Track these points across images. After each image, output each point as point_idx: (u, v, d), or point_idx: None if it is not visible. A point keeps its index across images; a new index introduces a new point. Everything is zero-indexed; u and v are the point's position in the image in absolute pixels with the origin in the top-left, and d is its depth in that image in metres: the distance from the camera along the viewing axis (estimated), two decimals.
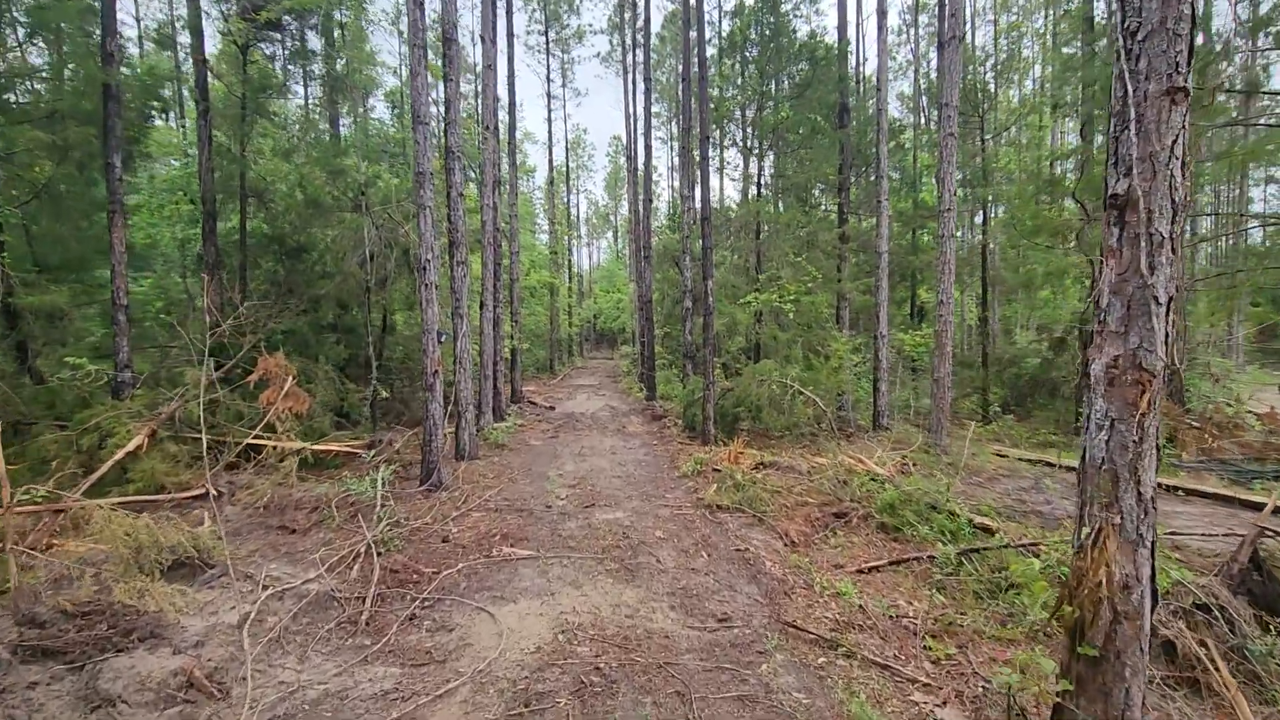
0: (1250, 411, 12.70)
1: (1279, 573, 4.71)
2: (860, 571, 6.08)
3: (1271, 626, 4.46)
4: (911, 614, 5.10)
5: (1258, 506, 8.69)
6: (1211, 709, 3.97)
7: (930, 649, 4.58)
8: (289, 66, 12.78)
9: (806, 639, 4.75)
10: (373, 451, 9.01)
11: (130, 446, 7.30)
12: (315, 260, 13.43)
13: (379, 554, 5.98)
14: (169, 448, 7.99)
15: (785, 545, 7.15)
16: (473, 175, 22.89)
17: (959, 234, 22.95)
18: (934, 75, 24.61)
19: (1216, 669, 4.15)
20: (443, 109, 10.51)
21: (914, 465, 10.83)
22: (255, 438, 9.07)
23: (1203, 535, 6.95)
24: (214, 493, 7.76)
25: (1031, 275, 15.77)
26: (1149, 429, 2.96)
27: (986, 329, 19.07)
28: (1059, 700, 3.24)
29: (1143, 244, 2.91)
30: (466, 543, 6.63)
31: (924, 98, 24.59)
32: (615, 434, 14.71)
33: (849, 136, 16.25)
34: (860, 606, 5.11)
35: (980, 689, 4.10)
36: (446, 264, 11.02)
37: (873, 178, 20.81)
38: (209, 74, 11.07)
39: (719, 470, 10.26)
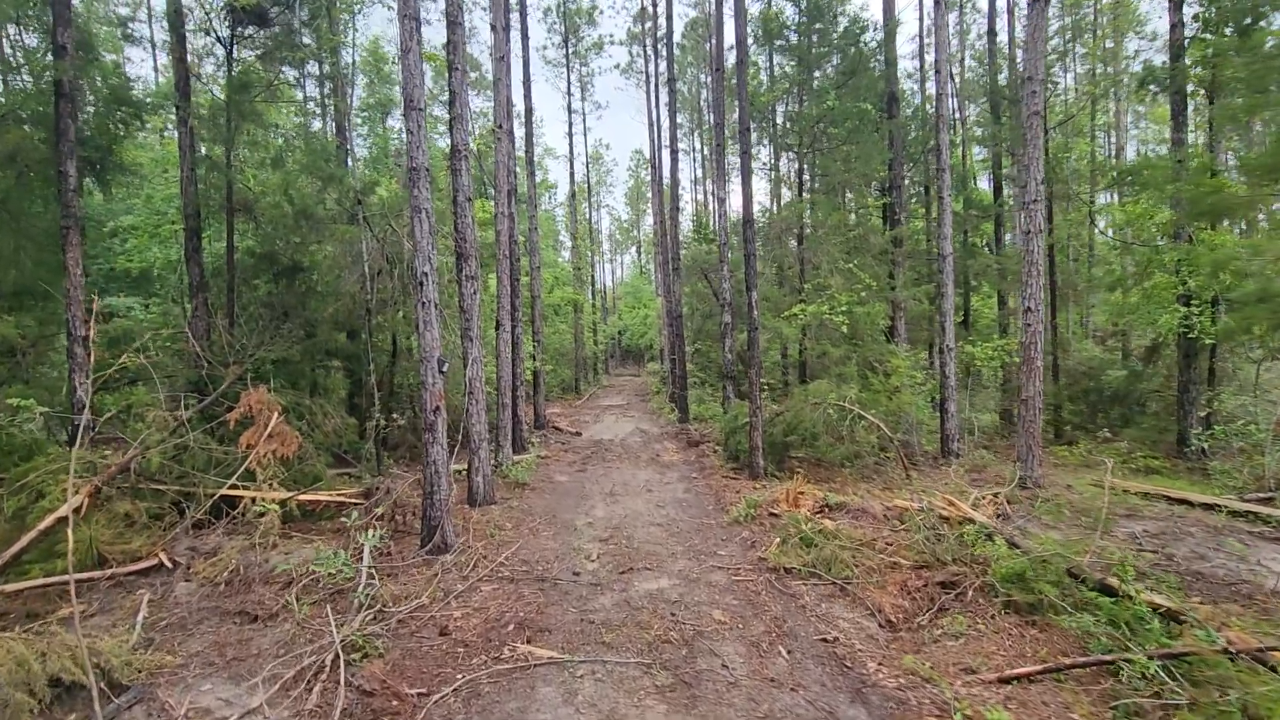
0: None
1: None
2: (1004, 681, 4.42)
3: None
4: None
5: None
6: None
7: None
8: (282, 68, 11.62)
9: None
10: (359, 509, 7.56)
11: (63, 510, 5.93)
12: (315, 280, 12.18)
13: (349, 663, 4.47)
14: (118, 507, 6.62)
15: (882, 628, 5.50)
16: (491, 193, 21.75)
17: (1008, 237, 21.09)
18: (976, 64, 22.88)
19: None
20: (448, 102, 9.18)
21: (1009, 505, 9.10)
22: (230, 488, 7.69)
23: None
24: (168, 564, 6.37)
25: (1117, 276, 13.93)
26: None
27: (1056, 338, 17.16)
28: None
29: None
30: (470, 637, 5.09)
31: (959, 96, 22.86)
32: (649, 465, 13.16)
33: (899, 128, 14.64)
34: None
35: None
36: (454, 280, 9.63)
37: (917, 176, 19.19)
38: (189, 75, 9.90)
39: (776, 514, 8.64)
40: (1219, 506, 8.78)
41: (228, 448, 8.32)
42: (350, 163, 15.42)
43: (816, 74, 16.54)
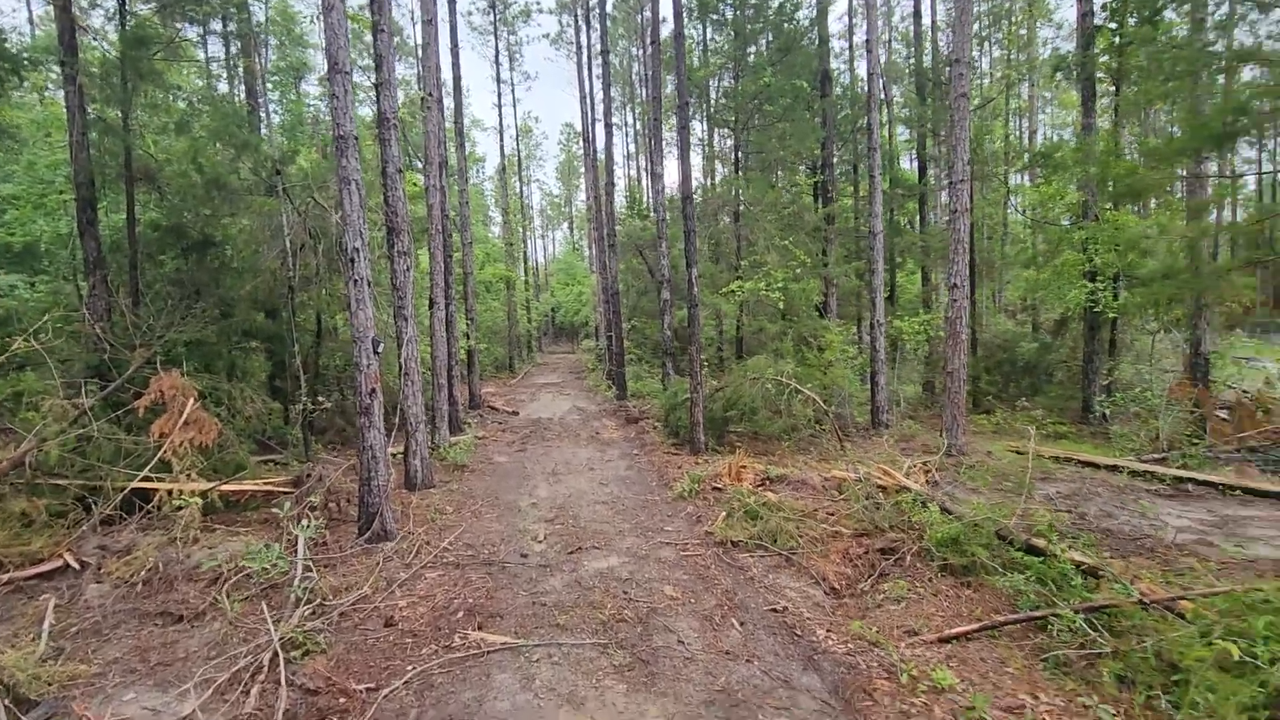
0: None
1: None
2: (944, 640, 4.64)
3: None
4: None
5: None
6: None
7: None
8: (183, 23, 10.61)
9: None
10: (290, 498, 7.16)
11: None
12: (230, 256, 11.37)
13: (290, 661, 4.24)
14: (13, 505, 6.03)
15: (827, 595, 5.68)
16: (417, 166, 20.85)
17: (931, 215, 21.97)
18: (901, 46, 23.53)
19: None
20: (373, 67, 8.66)
21: (938, 472, 9.55)
22: (143, 481, 7.14)
23: None
24: (74, 565, 5.86)
25: (1030, 254, 14.74)
26: None
27: (975, 313, 18.08)
28: None
29: None
30: (419, 626, 4.93)
31: (886, 77, 23.50)
32: (590, 443, 13.09)
33: (832, 106, 14.88)
34: (981, 718, 3.64)
35: None
36: (386, 256, 9.19)
37: (846, 155, 19.63)
38: (75, 27, 8.91)
39: (720, 489, 8.76)
40: (1121, 468, 9.50)
41: (138, 437, 7.71)
42: (265, 130, 14.38)
43: (751, 50, 16.56)
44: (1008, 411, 14.31)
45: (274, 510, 6.88)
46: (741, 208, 16.14)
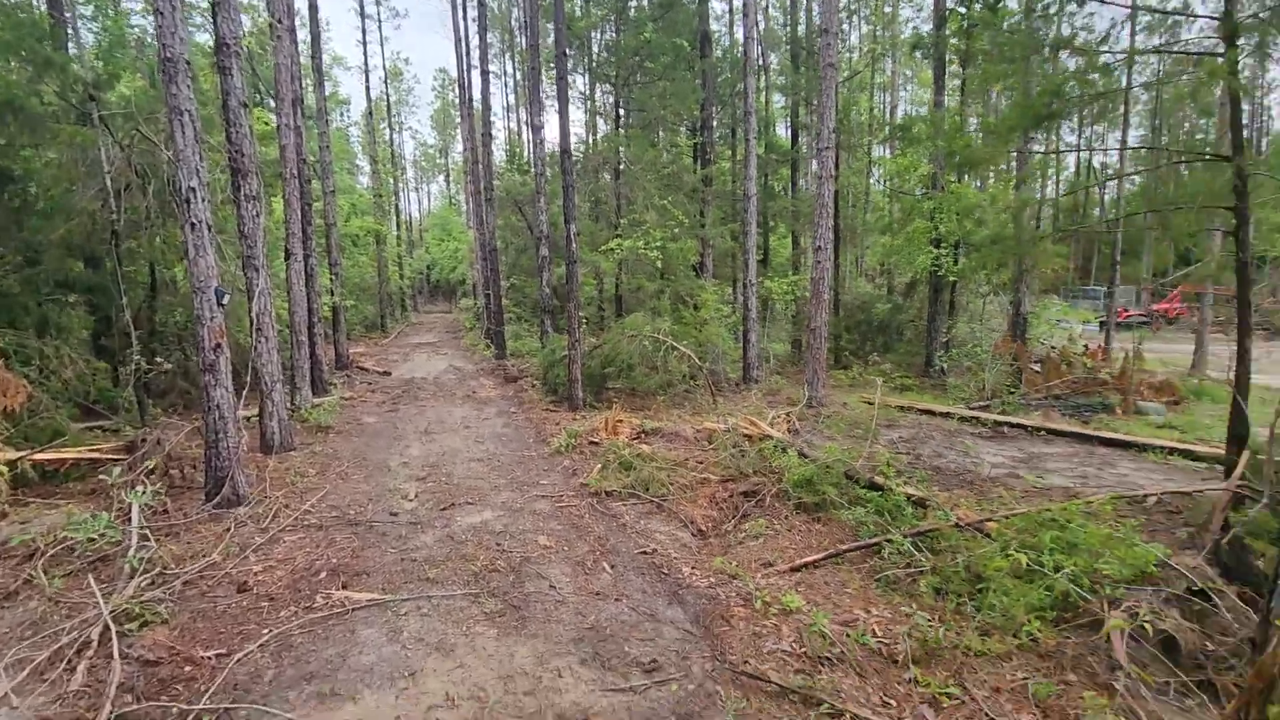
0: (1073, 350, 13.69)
1: (1252, 543, 4.30)
2: (795, 569, 5.08)
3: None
4: (878, 630, 4.14)
5: (1111, 443, 9.05)
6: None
7: (920, 683, 3.62)
8: None
9: (768, 691, 3.59)
10: (121, 465, 6.47)
11: None
12: (34, 194, 9.86)
13: (124, 634, 3.90)
14: None
15: (694, 536, 6.03)
16: (269, 104, 18.87)
17: (803, 182, 23.04)
18: (779, 14, 24.14)
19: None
20: None
21: (799, 422, 10.25)
22: None
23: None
24: None
25: (887, 222, 15.88)
26: None
27: (838, 275, 19.32)
28: None
29: None
30: (276, 590, 4.69)
31: (764, 44, 24.10)
32: (466, 402, 12.82)
33: (712, 68, 15.07)
34: (821, 632, 4.03)
35: None
36: (231, 200, 8.34)
37: (725, 118, 20.04)
38: None
39: (596, 443, 8.93)
40: (952, 414, 10.68)
41: None
42: (75, 49, 12.41)
43: (633, 3, 16.35)
44: (863, 367, 15.56)
45: (103, 479, 6.22)
46: (622, 166, 16.12)
